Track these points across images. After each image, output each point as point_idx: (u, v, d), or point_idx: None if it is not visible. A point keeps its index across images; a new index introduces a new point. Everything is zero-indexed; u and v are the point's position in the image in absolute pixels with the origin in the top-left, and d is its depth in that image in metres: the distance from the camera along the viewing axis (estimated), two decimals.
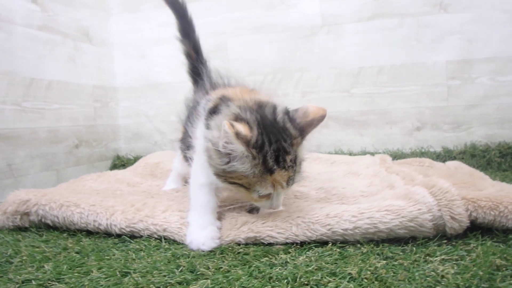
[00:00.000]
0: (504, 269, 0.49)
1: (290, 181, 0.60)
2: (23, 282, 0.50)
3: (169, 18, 1.45)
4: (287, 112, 0.62)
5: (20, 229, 0.77)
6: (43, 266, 0.55)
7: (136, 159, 1.54)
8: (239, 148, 0.56)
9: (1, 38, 1.18)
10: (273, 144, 0.58)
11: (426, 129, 1.44)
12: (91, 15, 1.59)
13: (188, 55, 1.00)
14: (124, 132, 1.76)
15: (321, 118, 0.62)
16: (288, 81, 1.56)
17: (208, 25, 1.61)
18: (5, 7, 1.19)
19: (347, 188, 0.86)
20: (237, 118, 0.58)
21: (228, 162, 0.57)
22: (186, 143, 0.81)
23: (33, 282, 0.50)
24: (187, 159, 0.83)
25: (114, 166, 1.64)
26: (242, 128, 0.56)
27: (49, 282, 0.50)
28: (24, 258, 0.59)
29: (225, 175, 0.59)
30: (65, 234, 0.73)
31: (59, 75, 1.39)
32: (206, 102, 0.70)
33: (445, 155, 1.35)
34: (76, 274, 0.52)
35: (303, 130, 0.61)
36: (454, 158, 1.30)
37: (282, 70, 1.56)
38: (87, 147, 1.54)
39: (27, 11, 1.27)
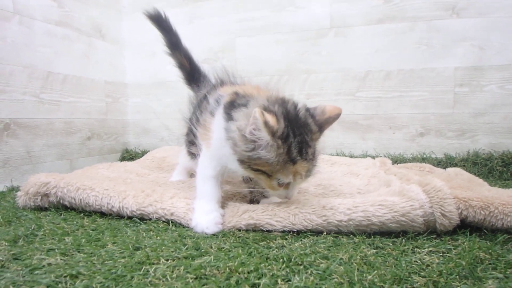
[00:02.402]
0: (486, 262, 0.52)
1: (308, 172, 0.64)
2: (48, 251, 0.56)
3: (180, 18, 1.47)
4: (307, 109, 0.67)
5: (40, 209, 0.83)
6: (64, 239, 0.61)
7: (143, 153, 1.60)
8: (265, 136, 0.59)
9: (23, 32, 1.25)
10: (297, 137, 0.62)
11: (430, 135, 1.42)
12: (104, 13, 1.65)
13: (182, 66, 1.02)
14: (133, 127, 1.81)
15: (336, 116, 0.66)
16: (294, 83, 1.56)
17: (217, 25, 1.64)
18: (26, 2, 1.25)
19: (344, 186, 0.90)
20: (266, 110, 0.61)
21: (253, 149, 0.60)
22: (190, 139, 0.86)
23: (57, 251, 0.56)
24: (190, 153, 0.88)
25: (123, 159, 1.70)
26: (270, 118, 0.59)
27: (70, 251, 0.56)
28: (47, 232, 0.65)
29: (250, 162, 0.62)
30: (81, 214, 0.79)
31: (74, 70, 1.46)
32: (219, 97, 0.73)
33: (446, 162, 1.35)
34: (94, 246, 0.58)
35: (321, 126, 0.66)
36: (456, 165, 1.30)
37: (289, 71, 1.57)
38: (98, 140, 1.61)
39: (45, 6, 1.33)
